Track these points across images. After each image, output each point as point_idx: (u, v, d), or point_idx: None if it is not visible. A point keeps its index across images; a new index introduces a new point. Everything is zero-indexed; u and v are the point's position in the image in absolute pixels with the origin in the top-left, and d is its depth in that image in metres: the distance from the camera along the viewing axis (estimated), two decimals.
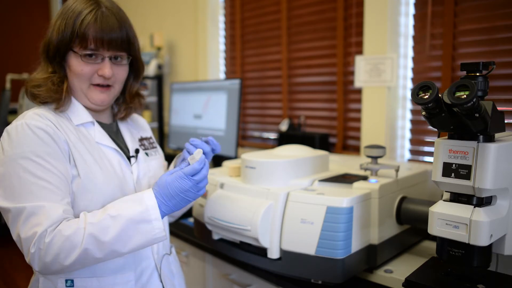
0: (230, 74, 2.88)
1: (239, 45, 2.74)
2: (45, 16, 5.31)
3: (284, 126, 2.34)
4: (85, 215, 0.93)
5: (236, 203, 1.23)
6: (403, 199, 1.26)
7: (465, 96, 0.79)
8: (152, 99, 3.16)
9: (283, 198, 1.16)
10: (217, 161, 2.26)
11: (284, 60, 2.43)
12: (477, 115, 0.81)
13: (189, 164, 0.99)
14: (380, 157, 1.29)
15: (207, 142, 1.12)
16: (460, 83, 0.81)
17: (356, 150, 2.11)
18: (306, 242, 1.11)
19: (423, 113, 0.89)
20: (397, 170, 1.27)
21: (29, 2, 5.15)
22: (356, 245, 1.12)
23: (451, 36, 1.69)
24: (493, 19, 1.59)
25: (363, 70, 1.93)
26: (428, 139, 1.81)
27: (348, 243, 1.09)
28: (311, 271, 1.12)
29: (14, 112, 3.75)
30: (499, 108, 0.87)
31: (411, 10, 1.84)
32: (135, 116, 1.28)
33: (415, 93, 0.85)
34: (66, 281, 1.02)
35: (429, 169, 1.45)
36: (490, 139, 0.88)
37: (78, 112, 1.08)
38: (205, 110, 2.39)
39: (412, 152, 1.89)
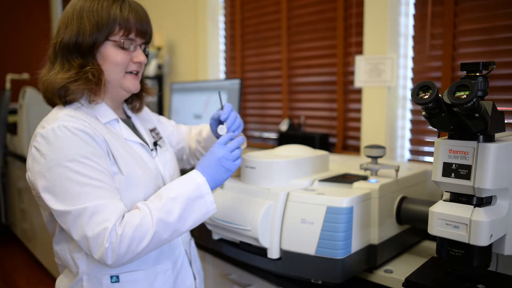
0: (230, 74, 2.88)
1: (239, 45, 2.74)
2: (45, 16, 5.31)
3: (284, 126, 2.34)
4: (144, 204, 0.98)
5: (236, 203, 1.23)
6: (403, 199, 1.26)
7: (465, 96, 0.79)
8: (152, 99, 3.15)
9: (283, 198, 1.16)
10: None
11: (284, 60, 2.43)
12: (477, 115, 0.81)
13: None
14: (380, 157, 1.29)
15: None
16: (460, 83, 0.81)
17: (356, 150, 2.11)
18: (306, 242, 1.11)
19: (423, 113, 0.89)
20: (397, 170, 1.27)
21: (29, 2, 5.15)
22: (356, 245, 1.12)
23: (451, 36, 1.69)
24: (493, 19, 1.59)
25: (363, 70, 1.93)
26: (428, 139, 1.81)
27: (348, 243, 1.09)
28: (311, 271, 1.12)
29: (14, 112, 3.74)
30: (499, 108, 0.87)
31: (411, 10, 1.84)
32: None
33: (415, 93, 0.85)
34: (111, 277, 1.05)
35: (429, 169, 1.45)
36: (490, 139, 0.88)
37: (103, 110, 1.09)
38: (205, 110, 2.39)
39: (412, 152, 1.89)
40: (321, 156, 1.37)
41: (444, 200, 0.94)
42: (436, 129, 0.93)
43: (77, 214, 0.92)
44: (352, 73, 2.08)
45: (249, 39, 2.69)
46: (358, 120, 2.07)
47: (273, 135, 2.56)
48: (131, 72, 1.10)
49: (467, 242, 0.87)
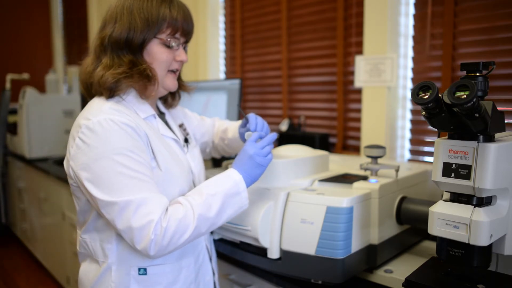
0: (230, 74, 2.88)
1: (239, 45, 2.74)
2: (45, 16, 5.31)
3: (284, 126, 2.34)
4: (186, 199, 1.01)
5: None
6: (403, 199, 1.26)
7: (465, 96, 0.79)
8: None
9: (283, 198, 1.16)
10: (217, 161, 2.26)
11: (284, 60, 2.43)
12: (477, 115, 0.81)
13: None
14: (380, 157, 1.29)
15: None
16: (460, 83, 0.81)
17: (356, 150, 2.11)
18: (306, 242, 1.11)
19: (423, 113, 0.89)
20: (397, 170, 1.27)
21: (29, 2, 5.15)
22: (356, 245, 1.12)
23: (451, 36, 1.69)
24: (493, 19, 1.59)
25: (363, 70, 1.93)
26: (428, 139, 1.81)
27: (348, 243, 1.09)
28: (311, 271, 1.12)
29: (14, 112, 3.74)
30: (499, 108, 0.87)
31: (411, 10, 1.84)
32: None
33: (415, 93, 0.85)
34: (139, 269, 1.07)
35: (429, 169, 1.45)
36: (490, 139, 0.88)
37: (142, 105, 1.11)
38: (205, 110, 2.39)
39: (412, 152, 1.89)
40: (321, 156, 1.37)
41: (444, 200, 0.94)
42: (436, 129, 0.93)
43: (123, 206, 0.94)
44: (352, 73, 2.08)
45: (249, 39, 2.69)
46: (358, 120, 2.07)
47: None
48: (172, 71, 1.14)
49: (467, 242, 0.87)
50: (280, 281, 1.22)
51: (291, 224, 1.14)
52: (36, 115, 3.39)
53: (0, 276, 3.47)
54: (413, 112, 1.86)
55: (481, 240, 0.86)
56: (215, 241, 1.37)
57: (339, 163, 1.58)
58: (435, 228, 0.92)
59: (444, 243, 0.94)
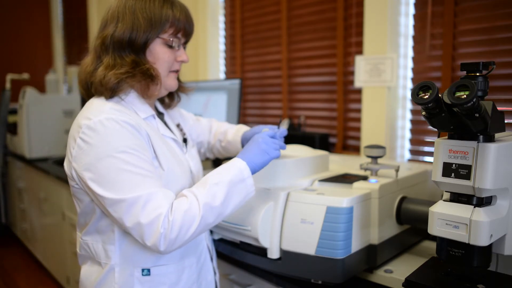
0: (230, 74, 2.88)
1: (239, 45, 2.74)
2: (45, 16, 5.31)
3: (284, 126, 2.33)
4: (189, 191, 1.01)
5: None
6: (403, 199, 1.26)
7: (465, 96, 0.79)
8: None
9: (283, 198, 1.16)
10: (217, 161, 2.26)
11: (284, 60, 2.43)
12: (477, 115, 0.81)
13: None
14: (380, 157, 1.29)
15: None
16: (460, 83, 0.81)
17: (356, 150, 2.11)
18: (306, 242, 1.11)
19: (423, 113, 0.89)
20: (397, 170, 1.27)
21: (29, 2, 5.15)
22: (356, 245, 1.12)
23: (451, 36, 1.69)
24: (493, 19, 1.59)
25: (363, 70, 1.93)
26: (428, 139, 1.81)
27: (348, 243, 1.09)
28: (311, 271, 1.12)
29: (14, 112, 3.74)
30: (499, 108, 0.87)
31: (411, 10, 1.84)
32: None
33: (415, 93, 0.85)
34: (143, 270, 1.07)
35: (429, 169, 1.45)
36: (490, 139, 0.88)
37: (142, 106, 1.11)
38: (205, 110, 2.39)
39: (412, 152, 1.89)
40: (321, 156, 1.37)
41: (444, 200, 0.94)
42: (436, 129, 0.93)
43: (131, 202, 0.94)
44: (352, 73, 2.08)
45: (249, 39, 2.69)
46: (358, 120, 2.07)
47: None
48: (173, 71, 1.14)
49: (467, 242, 0.87)
50: (280, 281, 1.22)
51: (291, 224, 1.14)
52: (36, 115, 3.39)
53: (0, 276, 3.47)
54: (413, 112, 1.86)
55: (481, 240, 0.86)
56: (215, 241, 1.37)
57: (339, 163, 1.58)
58: (435, 228, 0.92)
59: (444, 243, 0.94)
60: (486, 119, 0.83)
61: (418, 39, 1.82)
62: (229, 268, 1.46)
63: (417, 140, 1.86)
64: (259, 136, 1.11)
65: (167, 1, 1.08)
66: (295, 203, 1.14)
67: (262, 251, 1.20)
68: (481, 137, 0.87)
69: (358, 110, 2.08)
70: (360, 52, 2.01)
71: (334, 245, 1.08)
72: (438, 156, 0.92)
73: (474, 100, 0.78)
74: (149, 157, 1.01)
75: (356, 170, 1.40)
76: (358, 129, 2.09)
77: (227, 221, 1.23)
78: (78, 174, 1.00)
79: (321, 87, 2.27)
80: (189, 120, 1.41)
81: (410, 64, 1.86)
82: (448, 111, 0.86)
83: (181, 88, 1.27)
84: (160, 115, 1.24)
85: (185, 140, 1.24)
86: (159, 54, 1.08)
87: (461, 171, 0.88)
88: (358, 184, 1.20)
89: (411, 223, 1.25)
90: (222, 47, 2.92)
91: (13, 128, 3.74)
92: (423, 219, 1.15)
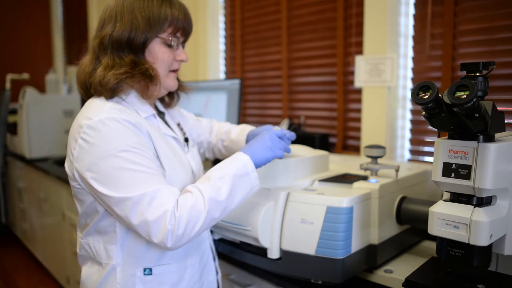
0: (230, 74, 2.88)
1: (239, 45, 2.74)
2: (45, 16, 5.31)
3: (284, 126, 2.34)
4: (194, 186, 1.00)
5: None
6: (403, 199, 1.26)
7: (465, 96, 0.79)
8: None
9: (283, 198, 1.16)
10: (217, 161, 2.26)
11: (284, 60, 2.43)
12: (477, 115, 0.81)
13: None
14: (380, 157, 1.29)
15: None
16: (460, 83, 0.81)
17: (356, 150, 2.11)
18: (306, 242, 1.11)
19: (423, 113, 0.89)
20: (397, 170, 1.27)
21: (29, 2, 5.15)
22: (356, 245, 1.12)
23: (451, 36, 1.69)
24: (493, 19, 1.59)
25: (363, 70, 1.93)
26: (428, 139, 1.81)
27: (348, 243, 1.09)
28: (311, 271, 1.12)
29: (14, 112, 3.74)
30: (499, 108, 0.87)
31: (411, 10, 1.84)
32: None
33: (415, 93, 0.85)
34: (145, 269, 1.07)
35: (429, 169, 1.45)
36: (490, 139, 0.88)
37: (142, 105, 1.11)
38: (205, 110, 2.39)
39: (412, 152, 1.89)
40: (321, 156, 1.37)
41: (444, 200, 0.94)
42: (436, 129, 0.93)
43: (137, 200, 0.94)
44: (352, 73, 2.08)
45: (249, 39, 2.69)
46: (358, 120, 2.07)
47: None
48: (173, 70, 1.13)
49: (467, 242, 0.87)
50: (280, 281, 1.22)
51: (291, 224, 1.14)
52: (36, 115, 3.39)
53: (0, 276, 3.47)
54: (413, 112, 1.86)
55: (481, 240, 0.86)
56: (215, 241, 1.37)
57: (339, 163, 1.58)
58: (435, 228, 0.92)
59: (444, 243, 0.94)
60: (486, 119, 0.83)
61: (418, 39, 1.82)
62: (229, 268, 1.46)
63: (417, 140, 1.86)
64: (267, 132, 1.12)
65: (166, 0, 1.07)
66: (295, 203, 1.14)
67: (262, 251, 1.20)
68: (481, 137, 0.87)
69: (358, 110, 2.08)
70: (360, 52, 2.01)
71: (334, 245, 1.08)
72: (438, 156, 0.92)
73: (474, 100, 0.78)
74: (152, 155, 1.01)
75: (356, 170, 1.40)
76: (358, 129, 2.09)
77: (227, 221, 1.23)
78: (80, 174, 1.00)
79: (321, 87, 2.27)
80: (189, 120, 1.41)
81: (410, 64, 1.86)
82: (448, 111, 0.86)
83: (181, 87, 1.27)
84: (160, 114, 1.23)
85: (186, 140, 1.24)
86: (158, 53, 1.08)
87: (461, 171, 0.88)
88: (358, 184, 1.20)
89: (411, 223, 1.25)
90: (222, 47, 2.92)
91: (13, 128, 3.74)
92: (423, 219, 1.15)
